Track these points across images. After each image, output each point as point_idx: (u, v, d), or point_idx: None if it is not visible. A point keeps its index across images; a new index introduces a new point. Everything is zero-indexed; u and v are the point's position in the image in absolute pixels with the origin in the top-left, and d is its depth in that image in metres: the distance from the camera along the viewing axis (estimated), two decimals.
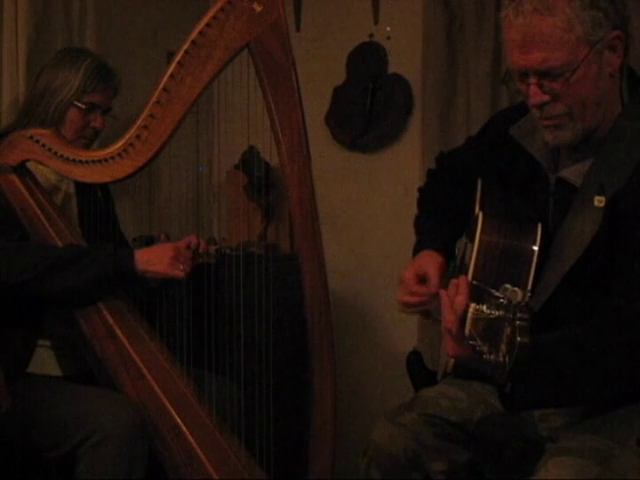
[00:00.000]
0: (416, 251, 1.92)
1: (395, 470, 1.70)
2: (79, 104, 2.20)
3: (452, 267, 1.93)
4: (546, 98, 1.57)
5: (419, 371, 2.53)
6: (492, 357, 1.28)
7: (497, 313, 1.28)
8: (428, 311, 1.86)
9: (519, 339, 1.24)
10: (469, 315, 1.32)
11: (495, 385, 1.48)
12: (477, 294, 1.36)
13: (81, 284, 2.02)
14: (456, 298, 1.39)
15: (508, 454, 1.74)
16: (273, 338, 2.34)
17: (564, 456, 1.52)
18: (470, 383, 1.80)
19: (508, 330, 1.25)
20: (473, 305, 1.32)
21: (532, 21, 1.52)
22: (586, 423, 1.60)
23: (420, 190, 2.07)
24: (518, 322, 1.25)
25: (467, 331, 1.33)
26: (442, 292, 1.45)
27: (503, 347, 1.26)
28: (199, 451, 2.04)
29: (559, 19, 1.51)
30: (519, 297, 1.28)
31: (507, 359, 1.26)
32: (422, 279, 1.82)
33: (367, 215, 3.23)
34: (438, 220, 1.94)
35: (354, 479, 1.81)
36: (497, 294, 1.30)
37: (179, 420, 2.05)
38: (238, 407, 2.19)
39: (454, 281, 1.43)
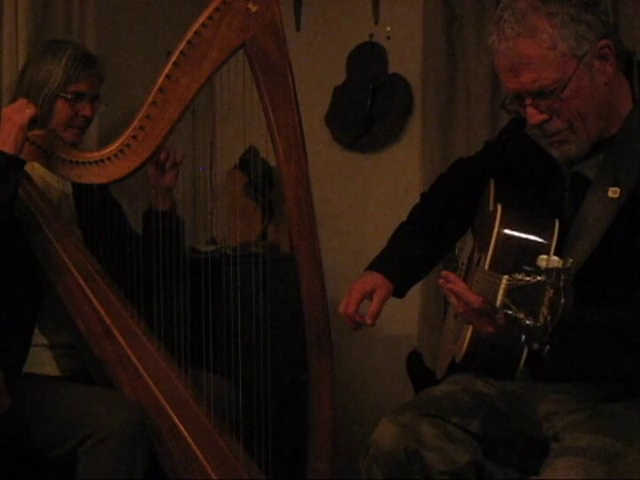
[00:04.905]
0: (377, 260, 1.95)
1: (396, 470, 1.69)
2: (65, 95, 2.17)
3: (453, 267, 1.93)
4: (544, 117, 1.61)
5: (419, 371, 2.53)
6: (531, 322, 1.30)
7: (537, 278, 1.30)
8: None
9: (563, 300, 1.27)
10: (502, 286, 1.33)
11: (530, 351, 1.49)
12: (506, 269, 1.38)
13: None
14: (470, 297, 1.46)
15: (511, 454, 1.73)
16: (272, 338, 2.34)
17: (570, 456, 1.53)
18: (473, 382, 1.79)
19: (551, 292, 1.28)
20: (506, 276, 1.33)
21: (516, 45, 1.57)
22: (591, 423, 1.60)
23: (422, 196, 2.07)
24: (562, 283, 1.28)
25: (499, 303, 1.34)
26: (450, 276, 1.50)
27: (544, 310, 1.28)
28: (197, 451, 2.03)
29: (541, 39, 1.55)
30: (558, 264, 1.30)
31: (549, 321, 1.28)
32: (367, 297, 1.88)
33: (367, 215, 3.22)
34: (418, 239, 1.95)
35: (354, 479, 1.80)
36: (528, 269, 1.32)
37: (177, 420, 2.04)
38: (237, 407, 2.18)
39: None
